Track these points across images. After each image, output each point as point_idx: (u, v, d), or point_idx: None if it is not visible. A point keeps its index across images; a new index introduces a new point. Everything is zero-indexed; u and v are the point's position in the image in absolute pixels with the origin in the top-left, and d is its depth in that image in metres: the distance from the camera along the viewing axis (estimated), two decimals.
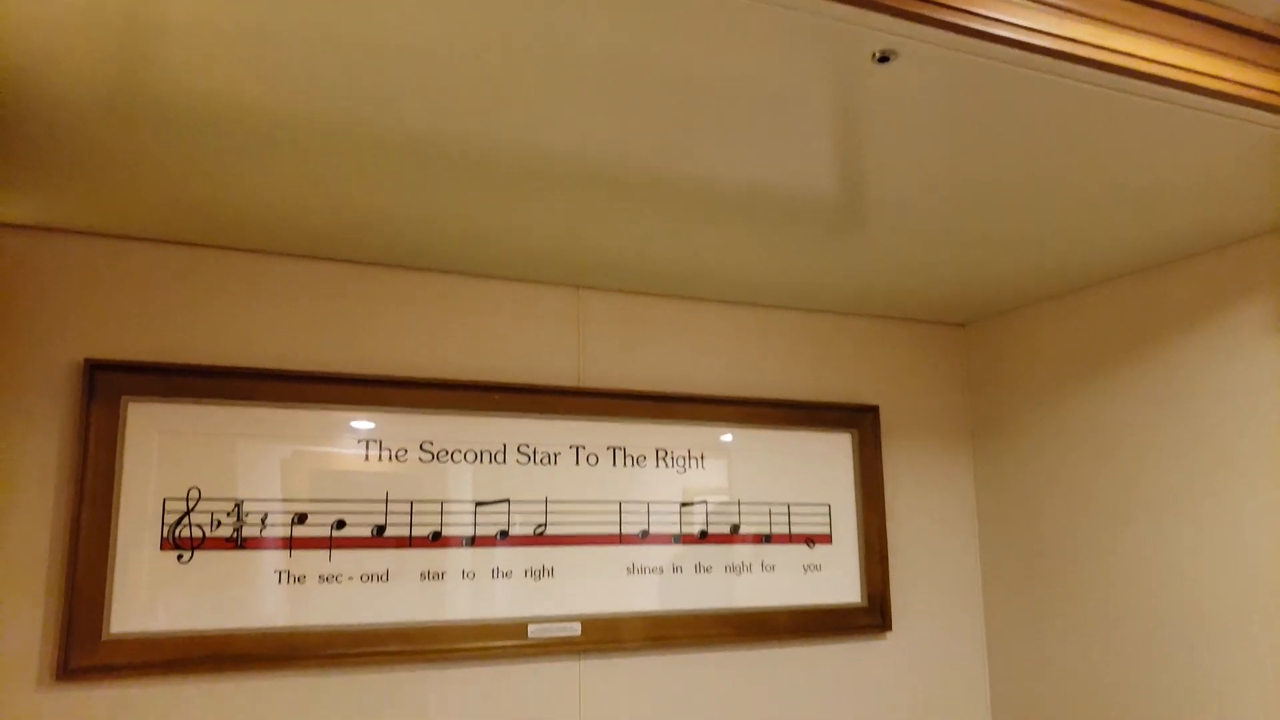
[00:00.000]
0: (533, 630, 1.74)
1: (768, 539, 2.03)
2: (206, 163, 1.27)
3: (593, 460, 1.87)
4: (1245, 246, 1.70)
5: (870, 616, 2.09)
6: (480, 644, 1.69)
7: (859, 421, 2.17)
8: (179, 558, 1.50)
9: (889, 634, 2.12)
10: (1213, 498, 1.72)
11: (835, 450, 2.14)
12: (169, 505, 1.51)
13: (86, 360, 1.48)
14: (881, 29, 0.98)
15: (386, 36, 0.98)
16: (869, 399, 2.21)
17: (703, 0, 0.93)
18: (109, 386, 1.48)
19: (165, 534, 1.50)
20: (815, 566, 2.07)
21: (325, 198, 1.41)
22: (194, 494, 1.53)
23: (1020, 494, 2.16)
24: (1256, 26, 1.18)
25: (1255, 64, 1.16)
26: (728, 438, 2.01)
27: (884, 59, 1.05)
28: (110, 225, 1.51)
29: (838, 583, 2.09)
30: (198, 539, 1.52)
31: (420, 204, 1.44)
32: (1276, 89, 1.17)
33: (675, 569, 1.91)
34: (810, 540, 2.08)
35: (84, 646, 1.42)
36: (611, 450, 1.89)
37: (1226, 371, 1.71)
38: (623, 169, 1.32)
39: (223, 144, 1.21)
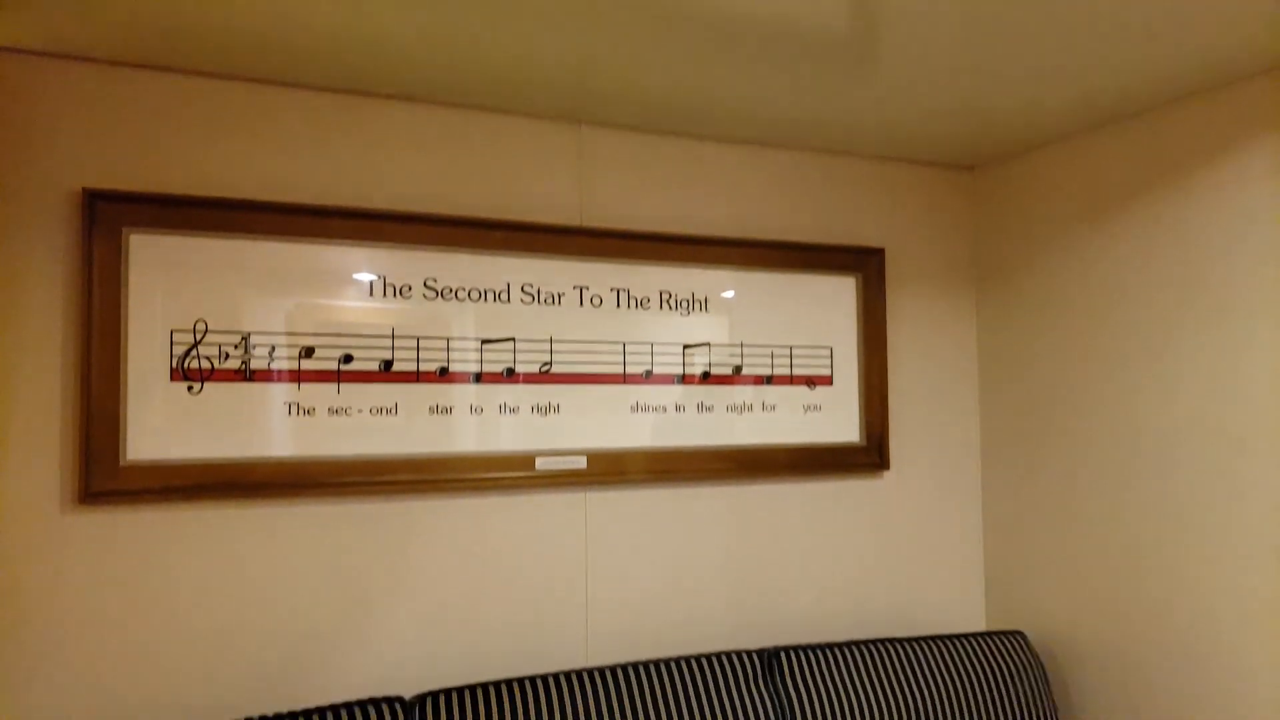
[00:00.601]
0: (540, 463, 1.78)
1: (769, 380, 2.05)
2: None
3: (596, 301, 1.87)
4: (1249, 85, 1.65)
5: (868, 455, 2.14)
6: (490, 475, 1.73)
7: (864, 264, 2.16)
8: (189, 389, 1.53)
9: (886, 473, 2.18)
10: (1212, 339, 1.73)
11: (839, 293, 2.14)
12: (176, 337, 1.52)
13: (85, 190, 1.46)
14: None
15: None
16: (875, 242, 2.19)
17: None
18: (109, 217, 1.47)
19: (174, 365, 1.52)
20: (815, 407, 2.10)
21: (327, 18, 1.36)
22: (201, 326, 1.54)
23: (1022, 338, 2.17)
24: None
25: None
26: (731, 280, 2.01)
27: None
28: (110, 50, 1.46)
29: (837, 423, 2.12)
30: (207, 370, 1.54)
31: (423, 25, 1.39)
32: None
33: (678, 408, 1.94)
34: (811, 382, 2.10)
35: (103, 472, 1.46)
36: (615, 292, 1.89)
37: (1230, 213, 1.69)
38: None
39: None
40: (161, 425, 1.51)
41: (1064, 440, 2.05)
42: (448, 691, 1.51)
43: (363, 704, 1.45)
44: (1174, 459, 1.80)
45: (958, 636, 1.96)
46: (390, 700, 1.47)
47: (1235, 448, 1.69)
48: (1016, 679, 1.93)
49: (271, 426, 1.58)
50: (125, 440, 1.48)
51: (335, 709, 1.43)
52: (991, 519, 2.26)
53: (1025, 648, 2.00)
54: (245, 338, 1.57)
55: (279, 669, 1.57)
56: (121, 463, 1.48)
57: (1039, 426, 2.12)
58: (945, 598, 2.21)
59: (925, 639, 1.93)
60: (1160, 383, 1.83)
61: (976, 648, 1.94)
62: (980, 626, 2.25)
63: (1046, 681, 1.98)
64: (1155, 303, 1.84)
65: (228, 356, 1.55)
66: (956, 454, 2.27)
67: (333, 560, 1.62)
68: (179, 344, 1.52)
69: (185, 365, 1.52)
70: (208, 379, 1.54)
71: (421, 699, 1.49)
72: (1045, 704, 1.94)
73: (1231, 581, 1.69)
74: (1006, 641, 1.99)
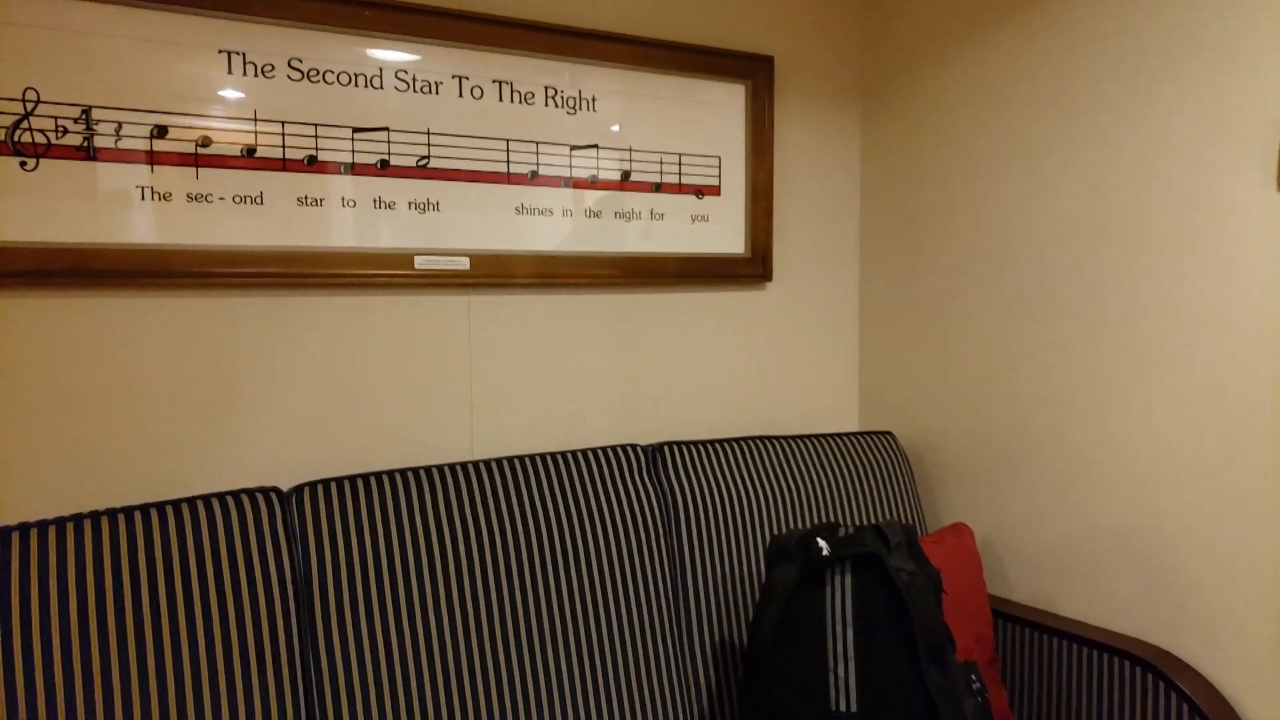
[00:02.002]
0: (420, 261, 1.72)
1: (658, 188, 2.02)
2: None
3: (477, 93, 1.78)
4: None
5: (753, 267, 2.16)
6: (367, 271, 1.67)
7: (754, 72, 2.12)
8: (22, 164, 1.39)
9: (769, 284, 2.21)
10: (1088, 145, 1.77)
11: (729, 101, 2.10)
12: (3, 106, 1.37)
13: None
14: None
15: None
16: (765, 49, 2.14)
17: None
18: None
19: (3, 138, 1.37)
20: (703, 217, 2.09)
21: None
22: (31, 95, 1.39)
23: (905, 151, 2.20)
24: None
25: None
26: (621, 80, 1.94)
27: None
28: None
29: (723, 234, 2.12)
30: (41, 145, 1.40)
31: None
32: None
33: (565, 212, 1.90)
34: (699, 191, 2.08)
35: None
36: (497, 84, 1.80)
37: (1109, 20, 1.70)
38: None
39: None
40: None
41: (941, 252, 2.11)
42: (326, 482, 1.49)
43: (236, 494, 1.42)
44: (1044, 271, 1.88)
45: (831, 435, 2.04)
46: (267, 490, 1.44)
47: (1101, 256, 1.77)
48: (884, 473, 2.04)
49: (123, 210, 1.46)
50: None
51: (208, 498, 1.39)
52: (867, 329, 2.33)
53: (894, 445, 2.11)
54: (86, 111, 1.43)
55: (148, 463, 1.51)
56: None
57: (917, 239, 2.18)
58: (821, 403, 2.30)
59: (801, 437, 2.00)
60: (1035, 195, 1.88)
61: (848, 445, 2.04)
62: (854, 423, 2.36)
63: (912, 477, 2.10)
64: (1035, 113, 1.87)
65: (65, 131, 1.41)
66: (837, 266, 2.31)
67: (200, 354, 1.55)
68: (6, 114, 1.37)
69: (16, 138, 1.38)
70: (43, 155, 1.40)
71: (299, 489, 1.47)
72: (910, 496, 2.07)
73: (1086, 386, 1.80)
74: (876, 440, 2.09)
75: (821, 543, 1.48)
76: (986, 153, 1.98)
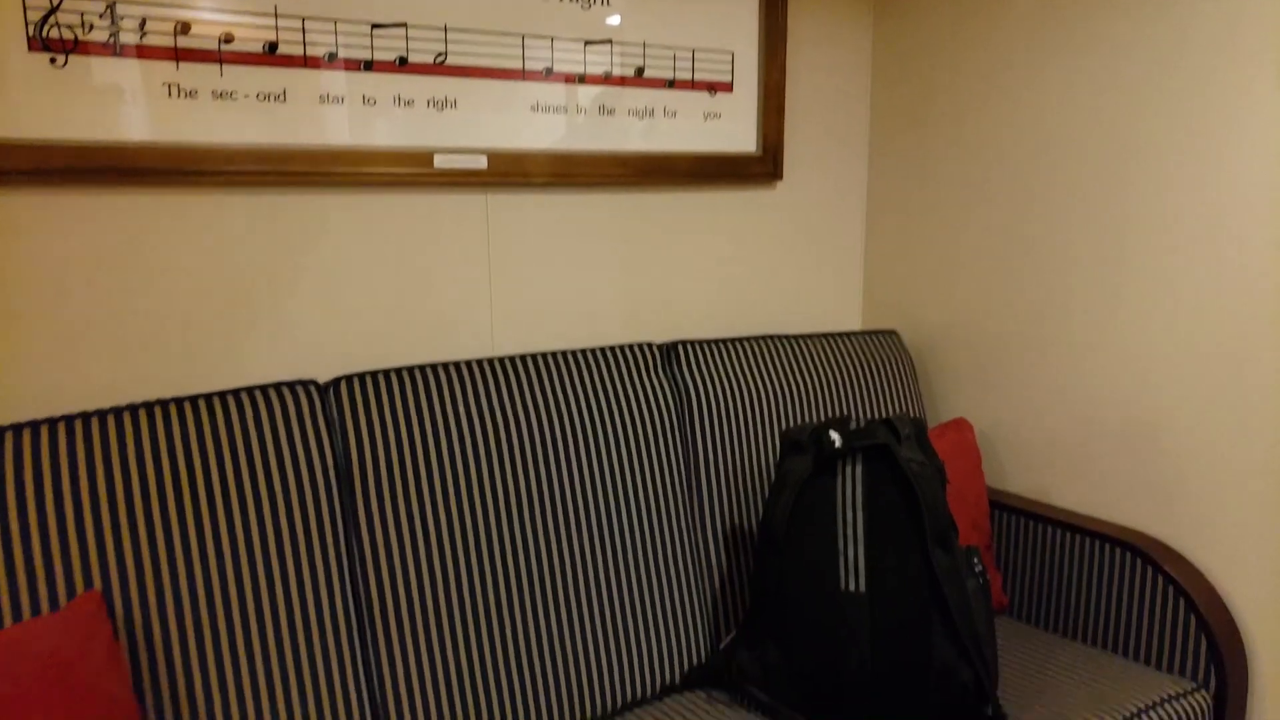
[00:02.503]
0: (439, 160, 1.74)
1: (671, 84, 2.02)
2: None
3: None
4: None
5: (763, 165, 2.18)
6: (387, 169, 1.68)
7: None
8: (51, 60, 1.39)
9: (779, 182, 2.23)
10: (1102, 39, 1.78)
11: None
12: (28, 1, 1.37)
13: None
14: None
15: None
16: None
17: None
18: None
19: (31, 33, 1.37)
20: (715, 115, 2.10)
21: None
22: None
23: (917, 48, 2.19)
24: None
25: None
26: None
27: None
28: None
29: (735, 132, 2.14)
30: (69, 41, 1.40)
31: None
32: None
33: (579, 109, 1.91)
34: (712, 88, 2.08)
35: None
36: None
37: None
38: None
39: None
40: (24, 100, 1.38)
41: (950, 151, 2.13)
42: (361, 375, 1.54)
43: (278, 386, 1.47)
44: (1052, 170, 1.90)
45: (839, 334, 2.10)
46: (305, 383, 1.50)
47: (1109, 157, 1.79)
48: (888, 370, 2.11)
49: (150, 107, 1.47)
50: None
51: (250, 390, 1.45)
52: (874, 228, 2.37)
53: (898, 343, 2.17)
54: (111, 6, 1.42)
55: (180, 357, 1.56)
56: None
57: (927, 137, 2.19)
58: (827, 301, 2.35)
59: (809, 336, 2.06)
60: (1047, 93, 1.90)
61: (855, 343, 2.10)
62: (857, 321, 2.42)
63: (914, 372, 2.17)
64: (1051, 10, 1.87)
65: (92, 27, 1.41)
66: (846, 165, 2.33)
67: (226, 251, 1.58)
68: (34, 9, 1.37)
69: (44, 34, 1.38)
70: (71, 51, 1.40)
71: (335, 382, 1.53)
72: (913, 392, 2.15)
73: (1083, 285, 1.86)
74: (881, 338, 2.16)
75: (834, 435, 1.56)
76: (999, 50, 1.98)
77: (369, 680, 1.45)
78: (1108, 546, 1.79)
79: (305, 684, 1.38)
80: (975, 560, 1.56)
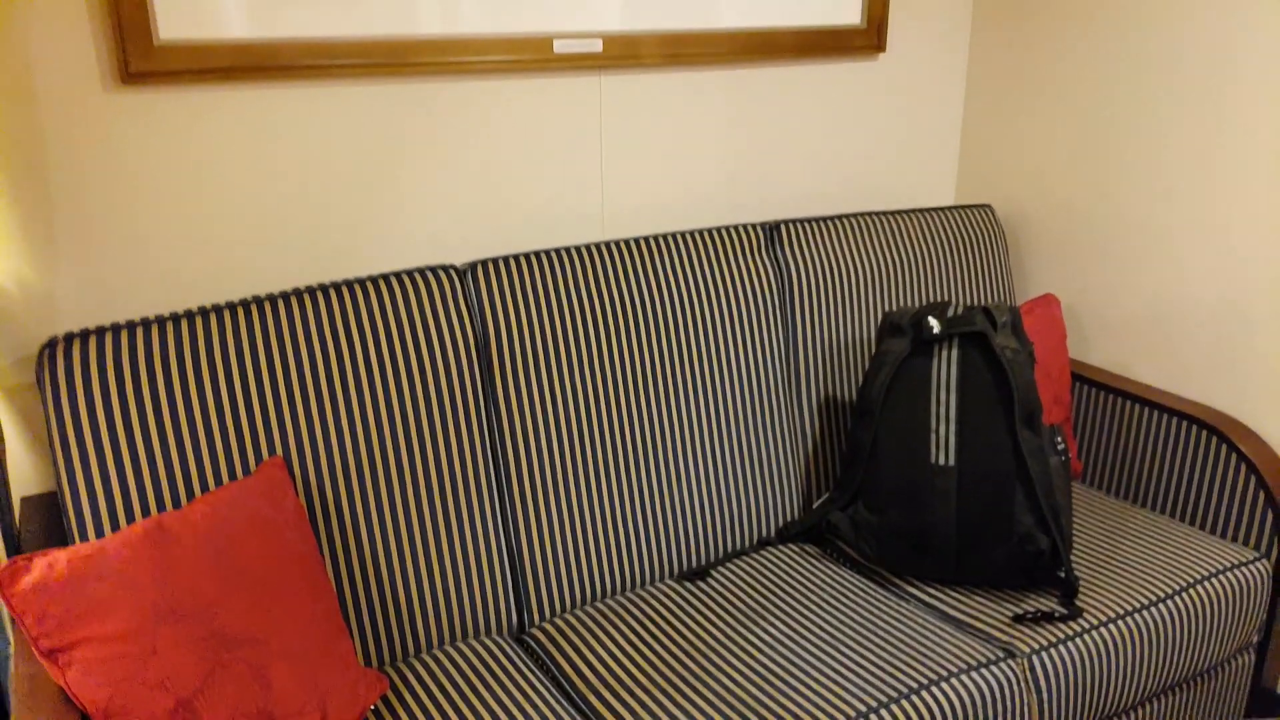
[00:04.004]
0: (558, 45, 1.80)
1: None
2: None
3: None
4: None
5: (868, 37, 2.18)
6: (509, 57, 1.76)
7: None
8: None
9: (882, 55, 2.23)
10: None
11: None
12: None
13: None
14: None
15: None
16: None
17: None
18: None
19: None
20: None
21: None
22: None
23: None
24: None
25: None
26: None
27: None
28: None
29: (841, 3, 2.13)
30: None
31: None
32: None
33: None
34: None
35: (139, 52, 1.46)
36: None
37: None
38: None
39: None
40: (187, 3, 1.48)
41: (1054, 24, 2.11)
42: (494, 260, 1.68)
43: (422, 271, 1.62)
44: (1156, 50, 1.89)
45: (933, 210, 2.16)
46: (446, 268, 1.64)
47: (1217, 41, 1.77)
48: (982, 246, 2.18)
49: (294, 6, 1.56)
50: (155, 19, 1.46)
51: (399, 275, 1.59)
52: (972, 103, 2.37)
53: (992, 218, 2.22)
54: None
55: (330, 240, 1.71)
56: (155, 43, 1.47)
57: (1029, 14, 2.16)
58: (925, 174, 2.39)
59: (906, 211, 2.13)
60: None
61: (951, 219, 2.16)
62: (952, 200, 2.46)
63: (1006, 248, 2.23)
64: None
65: None
66: (949, 39, 2.31)
67: (364, 140, 1.69)
68: None
69: None
70: None
71: (472, 266, 1.67)
72: (1003, 267, 2.21)
73: (1174, 163, 1.87)
74: (976, 213, 2.21)
75: (933, 321, 1.66)
76: None
77: (507, 533, 1.66)
78: (1183, 423, 1.89)
79: (454, 537, 1.59)
80: (1059, 439, 1.68)
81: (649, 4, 1.88)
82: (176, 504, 1.40)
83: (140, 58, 1.46)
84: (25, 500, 1.54)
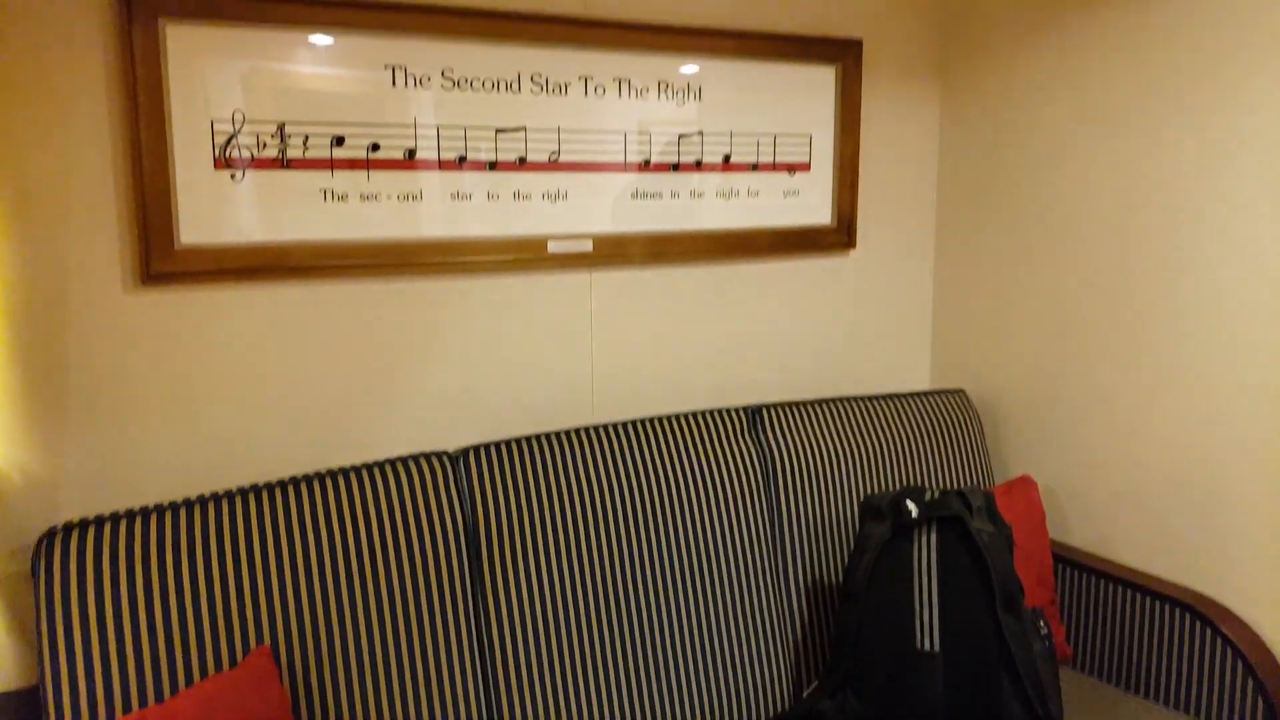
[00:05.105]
0: (552, 246, 1.94)
1: (754, 168, 2.20)
2: None
3: (600, 91, 1.95)
4: None
5: (838, 236, 2.34)
6: (506, 257, 1.88)
7: (844, 55, 2.26)
8: (232, 176, 1.61)
9: (853, 251, 2.39)
10: (1162, 127, 1.91)
11: (821, 83, 2.26)
12: (216, 127, 1.59)
13: None
14: None
15: None
16: (854, 33, 2.28)
17: None
18: (145, 5, 1.49)
19: (217, 154, 1.60)
20: (794, 192, 2.27)
21: None
22: (238, 116, 1.60)
23: (982, 125, 2.34)
24: None
25: None
26: (723, 69, 2.10)
27: None
28: None
29: (812, 206, 2.30)
30: (247, 159, 1.62)
31: None
32: None
33: (673, 194, 2.09)
34: (791, 169, 2.25)
35: (161, 255, 1.57)
36: (617, 81, 1.97)
37: (1190, 21, 1.82)
38: None
39: None
40: (210, 212, 1.61)
41: (1013, 219, 2.28)
42: (486, 446, 1.74)
43: (416, 457, 1.67)
44: (1113, 239, 2.04)
45: (909, 394, 2.25)
46: (438, 454, 1.70)
47: (1171, 227, 1.93)
48: (957, 429, 2.26)
49: (309, 212, 1.69)
50: (178, 226, 1.58)
51: (394, 462, 1.65)
52: (941, 292, 2.51)
53: (965, 402, 2.31)
54: (280, 127, 1.64)
55: (330, 431, 1.77)
56: (176, 247, 1.58)
57: (991, 207, 2.34)
58: (899, 360, 2.51)
59: (881, 396, 2.22)
60: (1108, 169, 2.04)
61: (926, 403, 2.25)
62: (926, 385, 2.56)
63: (981, 431, 2.31)
64: (1111, 94, 2.01)
65: (265, 145, 1.63)
66: (915, 233, 2.49)
67: (368, 334, 1.79)
68: (219, 134, 1.59)
69: (227, 154, 1.60)
70: (248, 167, 1.62)
71: (464, 452, 1.72)
72: (980, 449, 2.29)
73: (1146, 345, 1.99)
74: (950, 398, 2.30)
75: (910, 505, 1.71)
76: (1062, 127, 2.13)
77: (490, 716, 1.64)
78: (1166, 605, 1.91)
79: None
80: (1041, 623, 1.70)
81: (636, 208, 2.03)
82: (161, 696, 1.39)
83: (161, 260, 1.57)
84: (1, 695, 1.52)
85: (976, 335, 2.42)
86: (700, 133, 2.10)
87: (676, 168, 2.08)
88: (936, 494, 1.74)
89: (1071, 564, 2.11)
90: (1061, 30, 2.11)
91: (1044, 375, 2.24)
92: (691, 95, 2.07)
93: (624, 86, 1.98)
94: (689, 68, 2.05)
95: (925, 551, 1.70)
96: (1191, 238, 1.88)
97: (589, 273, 2.02)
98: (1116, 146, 2.01)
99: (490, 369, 1.92)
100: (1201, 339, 1.88)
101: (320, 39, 1.66)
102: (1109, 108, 2.02)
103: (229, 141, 1.60)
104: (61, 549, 1.37)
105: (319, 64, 1.66)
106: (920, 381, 2.56)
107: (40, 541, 1.38)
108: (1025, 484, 2.19)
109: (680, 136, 2.07)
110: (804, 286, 2.32)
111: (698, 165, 2.10)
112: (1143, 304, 1.99)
